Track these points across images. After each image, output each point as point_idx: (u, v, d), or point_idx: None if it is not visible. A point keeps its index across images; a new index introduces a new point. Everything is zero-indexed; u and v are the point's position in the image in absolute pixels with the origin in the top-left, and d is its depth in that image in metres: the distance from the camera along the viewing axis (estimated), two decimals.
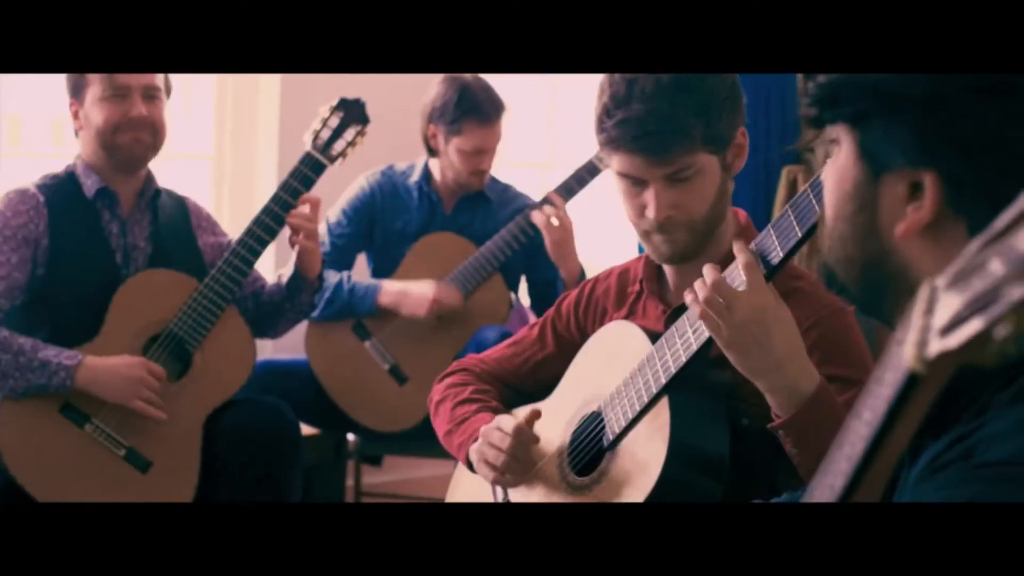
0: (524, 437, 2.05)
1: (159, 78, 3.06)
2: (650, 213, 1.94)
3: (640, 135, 1.90)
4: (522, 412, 2.18)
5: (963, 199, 1.06)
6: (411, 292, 3.63)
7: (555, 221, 3.57)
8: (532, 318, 3.98)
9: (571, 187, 3.64)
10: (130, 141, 3.03)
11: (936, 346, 0.77)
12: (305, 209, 3.05)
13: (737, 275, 1.77)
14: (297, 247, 3.09)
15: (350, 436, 3.86)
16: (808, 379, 1.75)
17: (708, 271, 1.76)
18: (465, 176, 3.72)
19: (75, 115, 3.08)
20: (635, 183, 1.96)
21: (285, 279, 3.19)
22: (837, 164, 1.16)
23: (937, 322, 0.77)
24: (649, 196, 1.94)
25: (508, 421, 2.08)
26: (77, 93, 3.05)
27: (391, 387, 3.69)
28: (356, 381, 3.69)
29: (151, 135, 3.05)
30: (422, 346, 3.67)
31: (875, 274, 1.15)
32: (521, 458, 2.06)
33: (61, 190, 3.06)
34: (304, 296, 3.19)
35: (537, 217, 3.59)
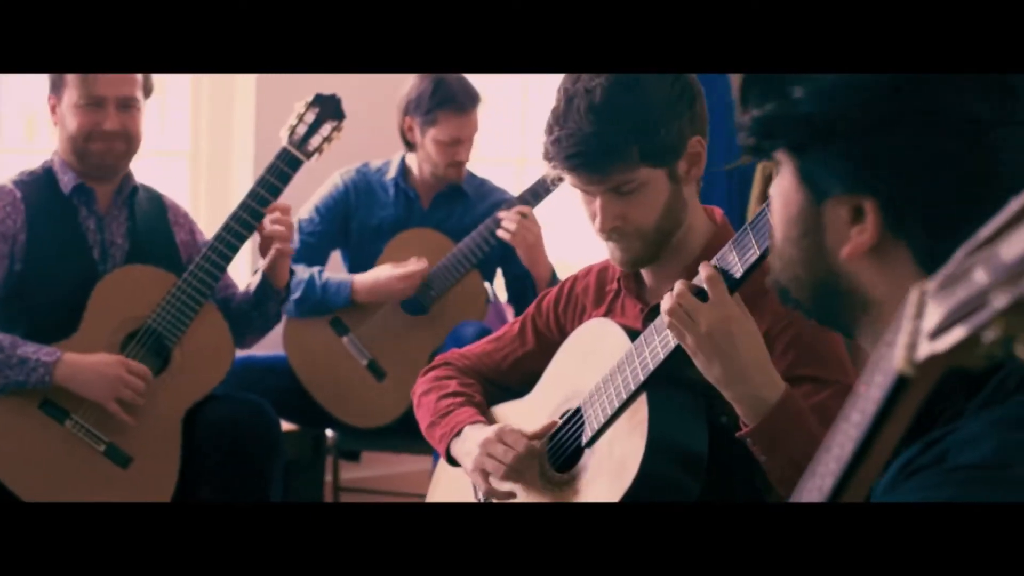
0: (531, 454, 2.06)
1: (137, 85, 3.06)
2: (596, 224, 2.00)
3: (572, 155, 1.94)
4: (501, 411, 2.19)
5: (902, 222, 1.09)
6: (379, 280, 3.64)
7: (512, 227, 3.58)
8: (509, 313, 4.00)
9: (537, 192, 3.65)
10: (102, 150, 3.05)
11: (925, 349, 0.79)
12: (280, 216, 3.06)
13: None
14: (270, 255, 3.11)
15: (328, 432, 3.87)
16: (773, 388, 1.78)
17: (678, 283, 1.79)
18: (443, 168, 3.73)
19: (52, 109, 3.08)
20: (584, 192, 2.00)
21: (253, 287, 3.20)
22: (781, 188, 1.18)
23: (926, 326, 0.79)
24: (596, 206, 1.99)
25: (513, 435, 2.07)
26: (56, 90, 3.05)
27: (369, 383, 3.70)
28: (334, 377, 3.70)
29: (124, 144, 3.06)
30: (400, 342, 3.68)
31: (825, 293, 1.17)
32: (522, 472, 2.07)
33: (38, 186, 3.06)
34: (271, 306, 3.19)
35: (504, 227, 3.60)
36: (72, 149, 3.05)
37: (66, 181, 3.07)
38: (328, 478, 4.06)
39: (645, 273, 2.10)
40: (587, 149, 1.92)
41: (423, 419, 2.28)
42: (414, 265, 3.62)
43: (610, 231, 1.99)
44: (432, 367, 2.37)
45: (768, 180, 4.42)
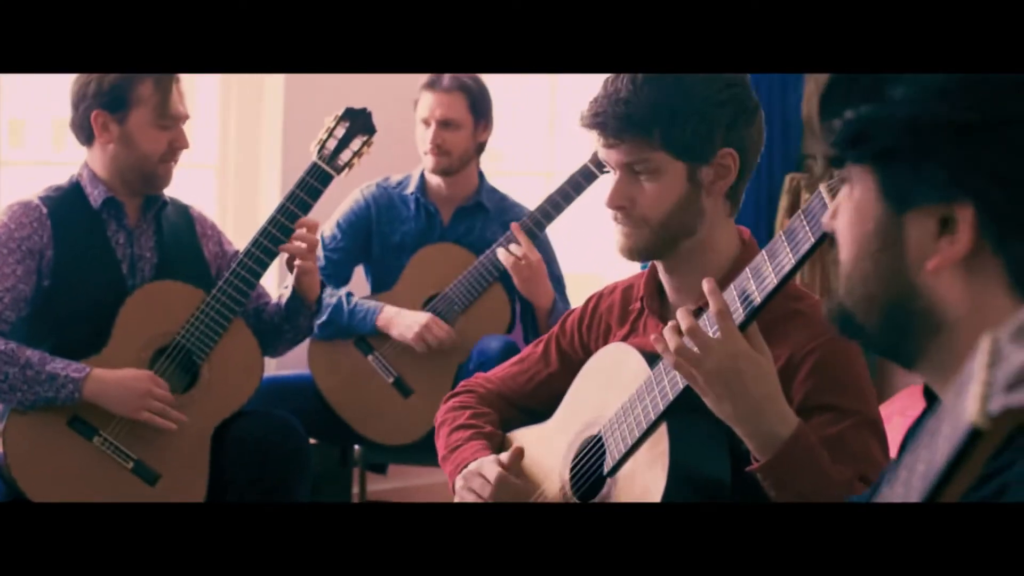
0: (506, 486, 2.04)
1: (189, 105, 3.08)
2: (606, 197, 1.99)
3: (599, 111, 1.96)
4: (520, 437, 2.17)
5: (1001, 233, 1.04)
6: (404, 314, 3.63)
7: (508, 263, 3.55)
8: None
9: (539, 221, 3.62)
10: (166, 171, 3.06)
11: (1001, 401, 0.76)
12: (303, 233, 3.05)
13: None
14: (296, 270, 3.10)
15: (356, 446, 3.86)
16: (785, 424, 1.75)
17: (682, 316, 1.76)
18: (424, 155, 3.70)
19: (103, 125, 3.03)
20: (607, 163, 2.01)
21: (284, 300, 3.19)
22: (854, 203, 1.13)
23: (1002, 377, 0.76)
24: (611, 182, 2.00)
25: (490, 467, 2.07)
26: (116, 108, 3.01)
27: (396, 400, 3.68)
28: (360, 395, 3.69)
29: (176, 162, 3.09)
30: (426, 358, 3.65)
31: (899, 314, 1.12)
32: (505, 500, 2.05)
33: (65, 201, 3.05)
34: (302, 320, 3.18)
35: (503, 257, 3.57)
36: (137, 168, 3.04)
37: (96, 195, 3.05)
38: (355, 490, 4.05)
39: (668, 291, 2.07)
40: (613, 111, 1.94)
41: (439, 451, 2.27)
42: (444, 334, 3.59)
43: (616, 209, 1.99)
44: (453, 394, 2.35)
45: (796, 192, 4.39)
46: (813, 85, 4.41)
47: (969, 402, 0.78)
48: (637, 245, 2.01)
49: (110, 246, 3.06)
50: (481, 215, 3.80)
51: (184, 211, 3.23)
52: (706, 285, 1.76)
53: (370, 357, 3.70)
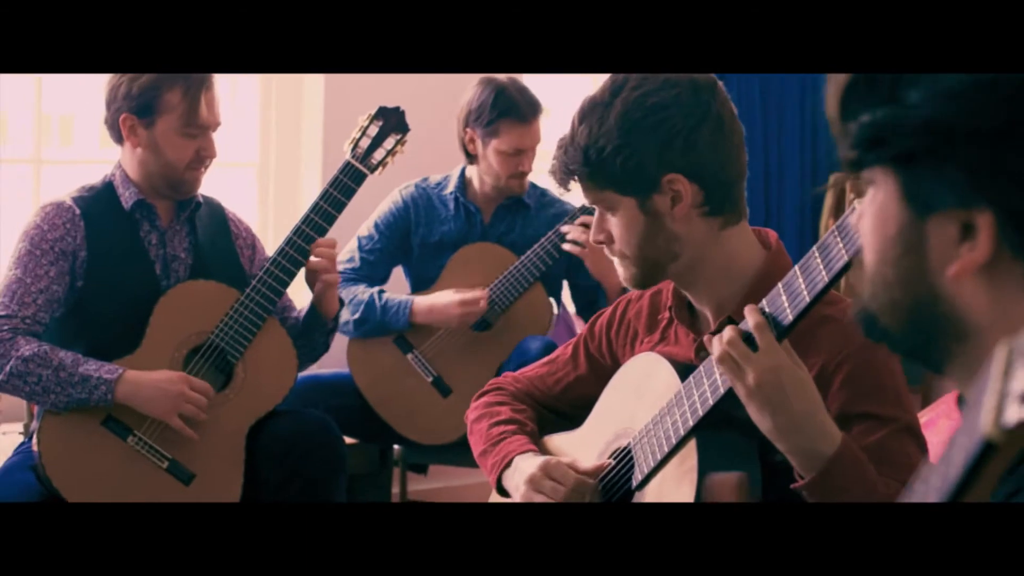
0: (581, 490, 2.01)
1: (219, 113, 3.07)
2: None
3: (552, 164, 2.02)
4: (553, 443, 2.15)
5: (1021, 238, 1.00)
6: (436, 305, 3.61)
7: (580, 239, 3.53)
8: (579, 325, 3.95)
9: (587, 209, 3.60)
10: (193, 178, 3.05)
11: (1015, 413, 0.73)
12: (323, 251, 3.04)
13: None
14: (318, 285, 3.09)
15: (395, 446, 3.85)
16: (828, 440, 1.72)
17: (728, 331, 1.73)
18: (504, 179, 3.68)
19: (131, 129, 3.03)
20: None
21: (302, 315, 3.18)
22: (877, 206, 1.09)
23: (1016, 387, 0.72)
24: None
25: (561, 470, 2.02)
26: (144, 113, 3.00)
27: (435, 400, 3.66)
28: (400, 394, 3.68)
29: (208, 167, 3.08)
30: (465, 358, 3.64)
31: (923, 318, 1.08)
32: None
33: (98, 202, 3.06)
34: (317, 335, 3.17)
35: (571, 240, 3.55)
36: (165, 174, 3.03)
37: (127, 196, 3.05)
38: (395, 490, 4.04)
39: (696, 302, 2.04)
40: (559, 161, 1.98)
41: (475, 446, 2.24)
42: (475, 292, 3.58)
43: (598, 245, 2.01)
44: (484, 392, 2.33)
45: (841, 193, 4.34)
46: (834, 86, 4.35)
47: (983, 414, 0.75)
48: (627, 276, 2.01)
49: (143, 247, 3.06)
50: (522, 213, 3.78)
51: (219, 211, 3.22)
52: (748, 307, 1.74)
53: (409, 356, 3.69)
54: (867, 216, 1.10)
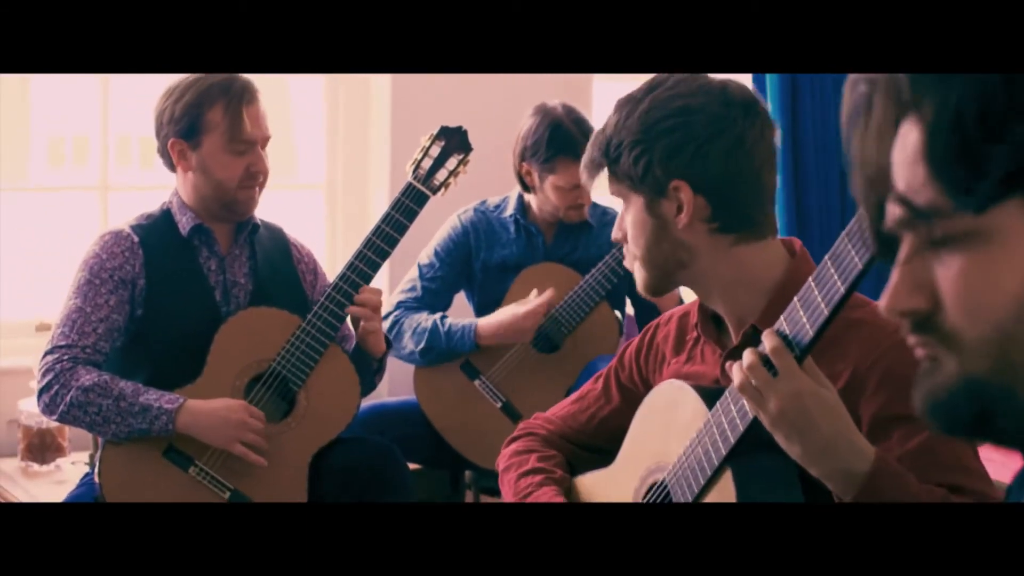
0: None
1: (270, 128, 3.02)
2: None
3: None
4: (585, 483, 2.12)
5: None
6: (502, 322, 3.54)
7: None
8: None
9: None
10: (247, 197, 3.00)
11: None
12: (367, 297, 2.99)
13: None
14: (359, 330, 3.04)
15: (467, 471, 3.79)
16: (861, 459, 1.65)
17: (747, 354, 1.67)
18: (564, 211, 3.61)
19: (180, 153, 3.00)
20: None
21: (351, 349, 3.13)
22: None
23: None
24: None
25: None
26: (190, 136, 2.97)
27: (504, 425, 3.59)
28: (468, 421, 3.62)
29: (263, 185, 3.02)
30: (534, 381, 3.58)
31: None
32: None
33: (156, 230, 3.03)
34: (364, 374, 3.10)
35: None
36: (216, 195, 2.99)
37: (184, 222, 3.02)
38: None
39: (721, 315, 1.98)
40: (589, 149, 2.01)
41: (506, 496, 2.19)
42: (536, 300, 3.51)
43: (617, 241, 2.01)
44: (514, 437, 2.28)
45: None
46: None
47: None
48: (640, 280, 1.99)
49: (202, 273, 3.03)
50: (585, 232, 3.70)
51: (280, 236, 3.18)
52: (765, 334, 1.67)
53: (476, 382, 3.63)
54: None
